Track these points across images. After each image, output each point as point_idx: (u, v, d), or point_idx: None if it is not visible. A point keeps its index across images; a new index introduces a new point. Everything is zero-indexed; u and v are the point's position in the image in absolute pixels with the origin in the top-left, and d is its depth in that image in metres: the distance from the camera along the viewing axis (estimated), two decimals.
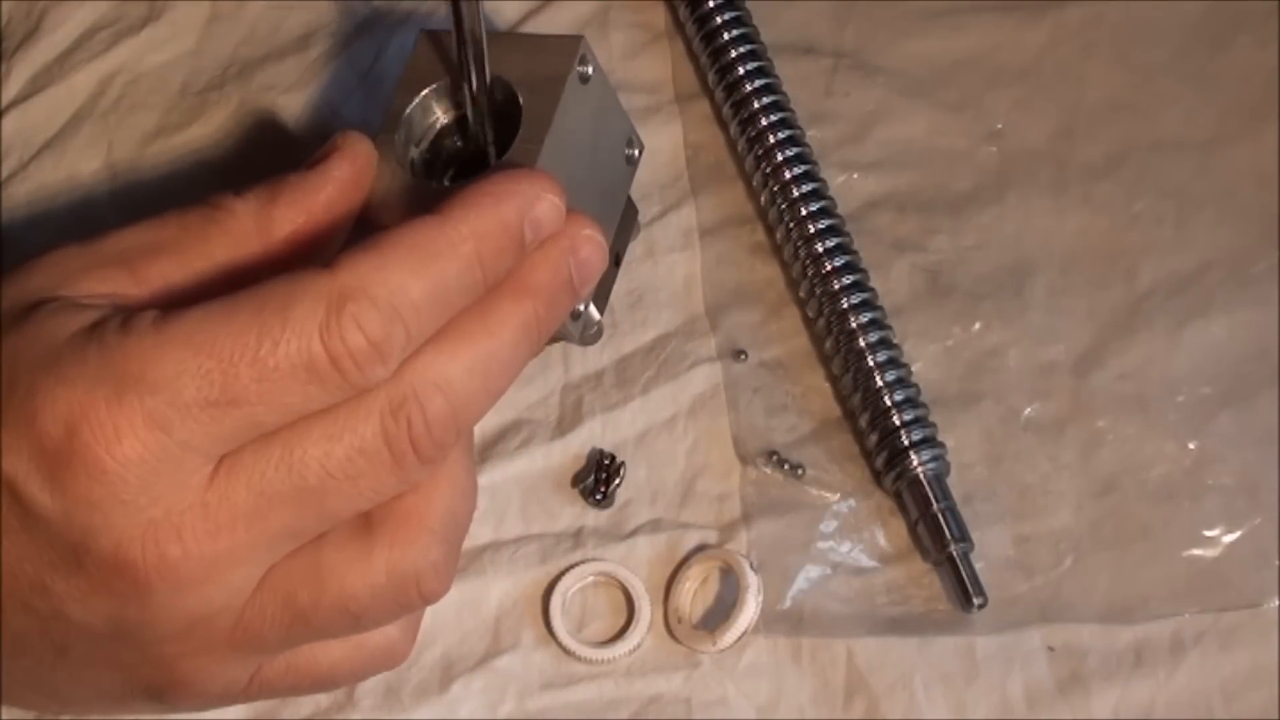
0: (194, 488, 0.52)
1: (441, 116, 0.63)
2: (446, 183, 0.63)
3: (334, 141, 0.61)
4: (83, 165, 0.75)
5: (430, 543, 0.57)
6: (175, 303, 0.56)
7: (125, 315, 0.54)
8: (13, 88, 0.76)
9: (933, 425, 0.70)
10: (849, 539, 0.70)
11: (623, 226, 0.67)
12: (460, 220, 0.55)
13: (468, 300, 0.56)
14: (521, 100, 0.61)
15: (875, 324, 0.71)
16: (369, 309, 0.52)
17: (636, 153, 0.66)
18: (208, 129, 0.76)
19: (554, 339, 0.65)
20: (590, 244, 0.59)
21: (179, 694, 0.57)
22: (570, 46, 0.61)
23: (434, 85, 0.63)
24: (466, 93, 0.62)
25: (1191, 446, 0.72)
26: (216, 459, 0.53)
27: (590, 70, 0.62)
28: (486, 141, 0.63)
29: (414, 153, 0.63)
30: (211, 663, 0.56)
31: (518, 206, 0.57)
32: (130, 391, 0.51)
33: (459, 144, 0.64)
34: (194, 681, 0.56)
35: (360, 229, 0.61)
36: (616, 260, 0.67)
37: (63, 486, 0.51)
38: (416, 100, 0.62)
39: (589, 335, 0.66)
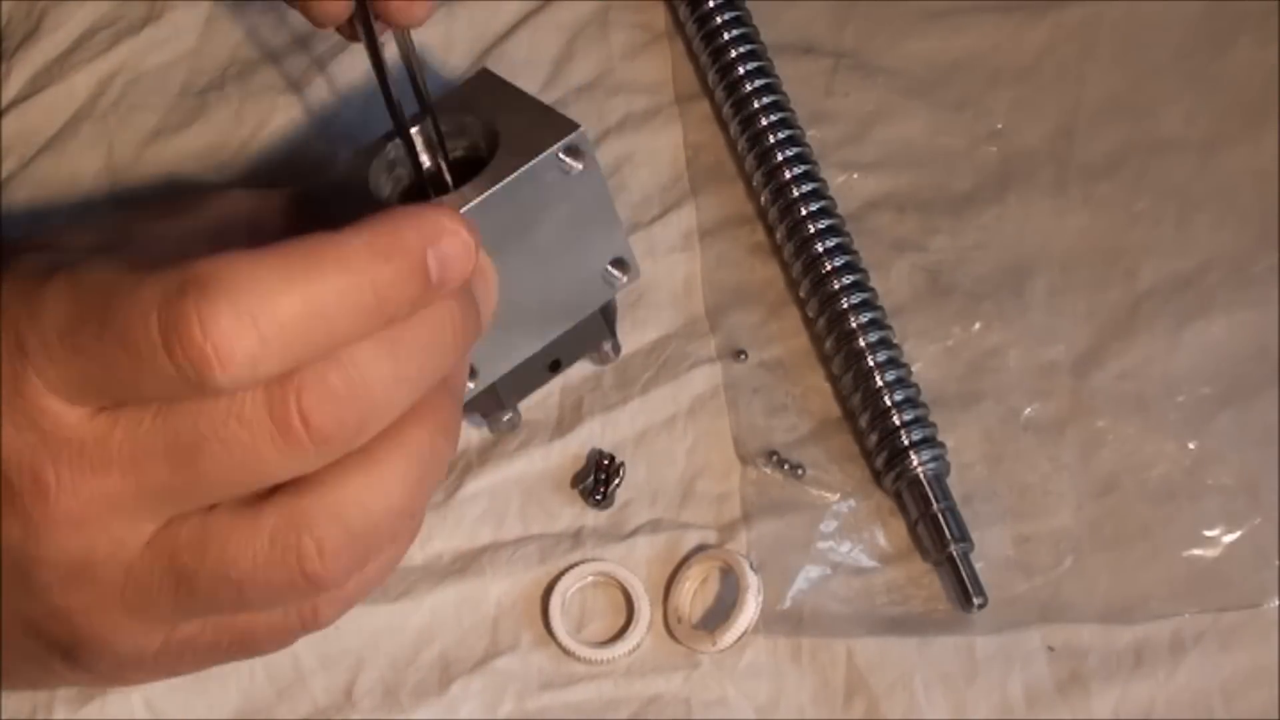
0: (69, 423, 0.51)
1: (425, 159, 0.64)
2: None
3: None
4: (83, 165, 0.75)
5: (327, 521, 0.53)
6: None
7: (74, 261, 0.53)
8: (13, 88, 0.76)
9: (933, 425, 0.70)
10: (849, 539, 0.70)
11: (575, 337, 0.66)
12: (354, 237, 0.51)
13: (361, 327, 0.52)
14: (497, 155, 0.61)
15: (875, 324, 0.71)
16: (219, 302, 0.49)
17: (623, 278, 0.65)
18: (208, 129, 0.76)
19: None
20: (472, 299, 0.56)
21: (88, 653, 0.56)
22: (564, 128, 0.60)
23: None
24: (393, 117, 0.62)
25: (1191, 446, 0.72)
26: (83, 402, 0.52)
27: (579, 166, 0.60)
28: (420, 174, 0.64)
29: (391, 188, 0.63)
30: (111, 621, 0.55)
31: (421, 234, 0.52)
32: (10, 316, 0.51)
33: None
34: (98, 639, 0.55)
35: None
36: (554, 365, 0.67)
37: None
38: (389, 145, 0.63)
39: (502, 425, 0.67)
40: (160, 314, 0.48)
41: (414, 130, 0.63)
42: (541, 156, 0.60)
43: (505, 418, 0.67)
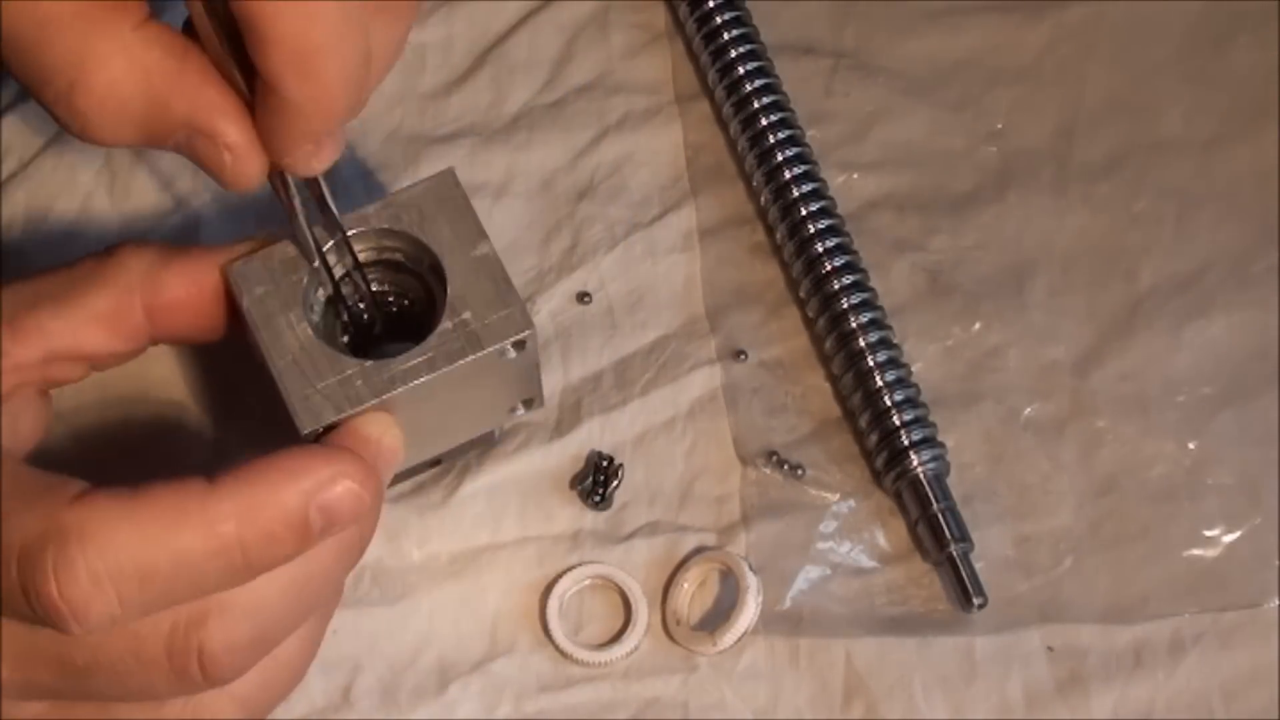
0: None
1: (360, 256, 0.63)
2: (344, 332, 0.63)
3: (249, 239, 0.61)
4: (82, 166, 0.75)
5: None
6: (55, 355, 0.57)
7: None
8: (12, 88, 0.76)
9: (933, 425, 0.70)
10: (849, 539, 0.70)
11: (466, 444, 0.67)
12: (227, 495, 0.52)
13: (228, 582, 0.53)
14: (441, 307, 0.60)
15: (875, 324, 0.71)
16: (76, 562, 0.50)
17: (525, 412, 0.65)
18: None
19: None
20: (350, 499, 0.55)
21: None
22: (516, 323, 0.59)
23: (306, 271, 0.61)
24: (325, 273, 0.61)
25: (1191, 446, 0.72)
26: None
27: (515, 354, 0.60)
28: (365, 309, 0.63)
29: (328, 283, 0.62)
30: None
31: (303, 490, 0.53)
32: None
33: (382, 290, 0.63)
34: None
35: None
36: (435, 461, 0.68)
37: None
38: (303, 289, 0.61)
39: None
40: (20, 563, 0.50)
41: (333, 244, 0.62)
42: (487, 351, 0.59)
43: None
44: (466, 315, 0.59)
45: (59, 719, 0.56)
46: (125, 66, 0.53)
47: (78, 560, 0.50)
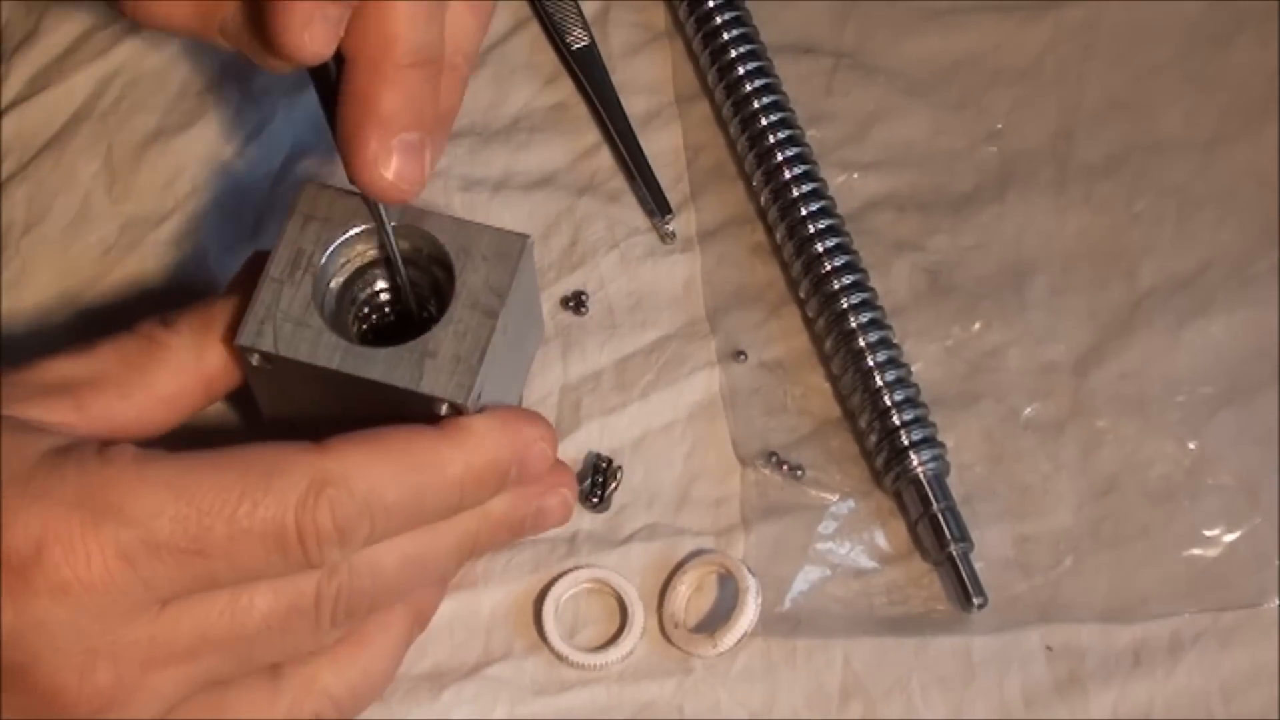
0: (142, 623, 0.54)
1: (355, 260, 0.64)
2: (357, 327, 0.65)
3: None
4: (82, 166, 0.75)
5: (326, 705, 0.60)
6: (118, 434, 0.58)
7: (101, 444, 0.55)
8: (12, 89, 0.76)
9: (932, 425, 0.70)
10: (848, 540, 0.70)
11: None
12: (457, 444, 0.59)
13: (439, 517, 0.59)
14: (459, 273, 0.62)
15: (875, 324, 0.71)
16: (346, 497, 0.55)
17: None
18: (207, 130, 0.76)
19: None
20: (560, 500, 0.64)
21: None
22: (511, 239, 0.62)
23: (355, 230, 0.63)
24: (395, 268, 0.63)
25: (1191, 446, 0.71)
26: (166, 600, 0.54)
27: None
28: (411, 302, 0.65)
29: (331, 287, 0.63)
30: None
31: (515, 449, 0.60)
32: (108, 520, 0.53)
33: (380, 292, 0.65)
34: None
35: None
36: None
37: (20, 605, 0.53)
38: (336, 243, 0.63)
39: None
40: (299, 509, 0.55)
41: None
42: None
43: None
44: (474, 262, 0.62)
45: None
46: None
47: (349, 497, 0.55)
